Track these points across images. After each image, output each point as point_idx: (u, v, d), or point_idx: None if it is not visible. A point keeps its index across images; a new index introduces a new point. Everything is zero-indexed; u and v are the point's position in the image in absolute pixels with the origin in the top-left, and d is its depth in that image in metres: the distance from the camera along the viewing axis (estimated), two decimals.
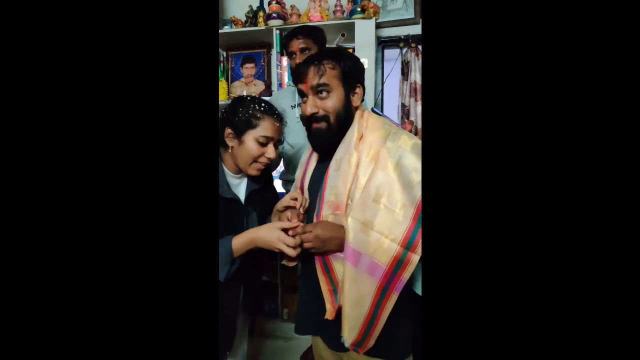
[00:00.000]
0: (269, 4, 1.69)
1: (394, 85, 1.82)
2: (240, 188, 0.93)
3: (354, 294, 0.72)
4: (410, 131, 1.76)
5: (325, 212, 0.76)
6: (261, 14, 1.71)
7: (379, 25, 1.73)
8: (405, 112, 1.80)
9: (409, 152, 0.71)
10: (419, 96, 1.77)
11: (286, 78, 1.73)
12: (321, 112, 0.75)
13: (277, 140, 0.86)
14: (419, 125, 1.77)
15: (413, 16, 1.76)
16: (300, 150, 1.42)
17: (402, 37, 1.75)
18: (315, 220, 0.79)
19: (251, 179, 0.93)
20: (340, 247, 0.74)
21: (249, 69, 1.94)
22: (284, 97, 1.41)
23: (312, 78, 0.74)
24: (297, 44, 1.28)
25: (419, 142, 0.74)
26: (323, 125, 0.76)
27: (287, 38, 1.33)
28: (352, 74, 0.76)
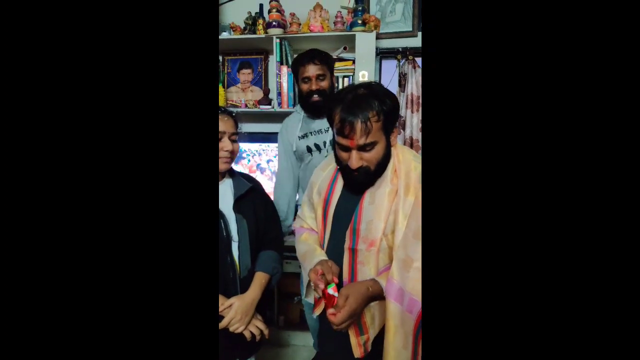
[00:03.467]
0: (269, 12, 1.67)
1: None
2: (226, 196, 0.94)
3: (401, 336, 0.70)
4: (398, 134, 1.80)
5: (360, 247, 0.76)
6: (260, 21, 1.69)
7: (377, 37, 1.74)
8: (401, 123, 1.83)
9: None
10: (415, 108, 1.80)
11: (285, 87, 1.72)
12: (364, 165, 0.74)
13: (232, 133, 0.92)
14: (414, 136, 1.81)
15: (411, 29, 1.79)
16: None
17: (400, 49, 1.78)
18: (347, 253, 0.78)
19: (235, 181, 0.97)
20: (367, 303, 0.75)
21: (245, 74, 1.92)
22: (292, 127, 1.40)
23: (360, 137, 0.71)
24: (314, 70, 1.27)
25: None
26: (364, 175, 0.75)
27: (301, 61, 1.30)
28: (392, 116, 0.74)
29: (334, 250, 0.82)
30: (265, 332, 0.90)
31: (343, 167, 0.78)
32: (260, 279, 0.94)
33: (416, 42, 1.79)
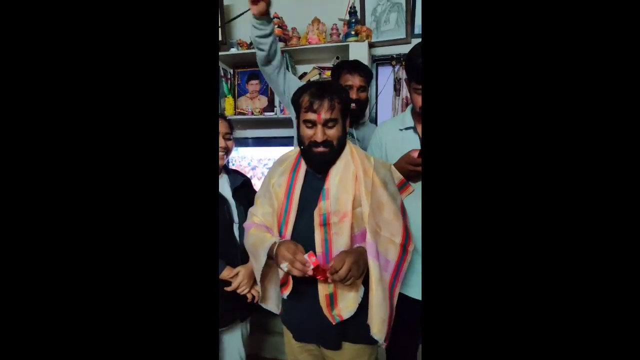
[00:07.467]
0: None
1: (386, 100, 1.96)
2: (225, 188, 1.14)
3: (381, 290, 0.83)
4: None
5: (333, 220, 0.88)
6: None
7: (372, 45, 1.86)
8: None
9: (389, 173, 0.97)
10: None
11: None
12: (328, 140, 0.89)
13: (225, 132, 1.12)
14: None
15: (405, 36, 1.89)
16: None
17: (394, 55, 1.88)
18: (319, 230, 0.87)
19: (231, 176, 1.16)
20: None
21: (253, 85, 2.11)
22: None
23: (326, 112, 0.87)
24: (358, 81, 1.33)
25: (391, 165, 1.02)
26: (327, 150, 0.89)
27: (346, 69, 1.35)
28: (348, 107, 0.93)
29: (301, 233, 0.90)
30: (258, 296, 1.05)
31: (307, 147, 0.90)
32: None
33: (410, 48, 1.88)
